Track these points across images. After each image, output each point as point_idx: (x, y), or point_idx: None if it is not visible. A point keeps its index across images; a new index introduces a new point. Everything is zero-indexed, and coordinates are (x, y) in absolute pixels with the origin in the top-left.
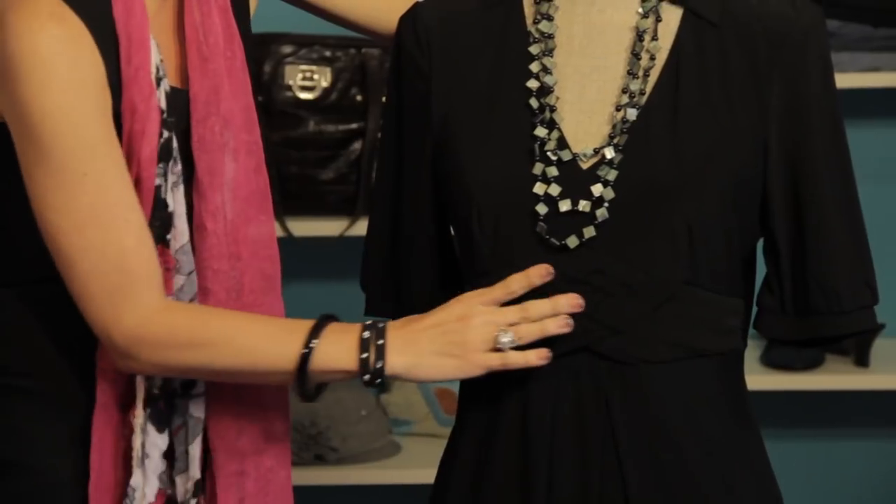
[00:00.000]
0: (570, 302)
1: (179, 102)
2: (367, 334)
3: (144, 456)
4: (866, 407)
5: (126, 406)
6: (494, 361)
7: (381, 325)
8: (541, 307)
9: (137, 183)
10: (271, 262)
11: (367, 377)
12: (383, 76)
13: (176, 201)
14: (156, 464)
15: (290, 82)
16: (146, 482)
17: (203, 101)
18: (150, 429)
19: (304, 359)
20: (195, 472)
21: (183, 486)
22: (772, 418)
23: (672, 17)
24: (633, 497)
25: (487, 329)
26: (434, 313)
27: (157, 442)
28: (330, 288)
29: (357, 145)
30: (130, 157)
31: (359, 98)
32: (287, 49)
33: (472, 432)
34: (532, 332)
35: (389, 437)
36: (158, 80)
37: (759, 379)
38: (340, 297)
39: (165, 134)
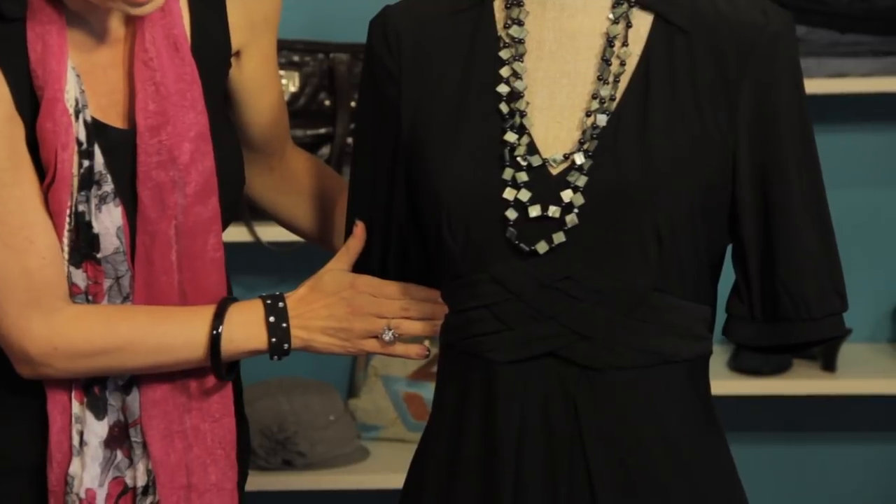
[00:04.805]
0: (439, 311)
1: (121, 142)
2: (272, 319)
3: (83, 444)
4: (833, 412)
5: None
6: (375, 348)
7: (280, 304)
8: (422, 308)
9: (49, 206)
10: (215, 291)
11: (274, 357)
12: (352, 81)
13: (101, 222)
14: (94, 451)
15: None
16: (84, 469)
17: (149, 143)
18: (88, 416)
19: (215, 348)
20: (141, 479)
21: (136, 477)
22: (739, 423)
23: (643, 23)
24: (601, 503)
25: (372, 322)
26: (326, 291)
27: (96, 430)
28: None
29: (325, 150)
30: (44, 183)
31: (327, 103)
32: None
33: (440, 437)
34: (413, 329)
35: (358, 442)
36: (77, 112)
37: (726, 384)
38: None
39: (86, 163)
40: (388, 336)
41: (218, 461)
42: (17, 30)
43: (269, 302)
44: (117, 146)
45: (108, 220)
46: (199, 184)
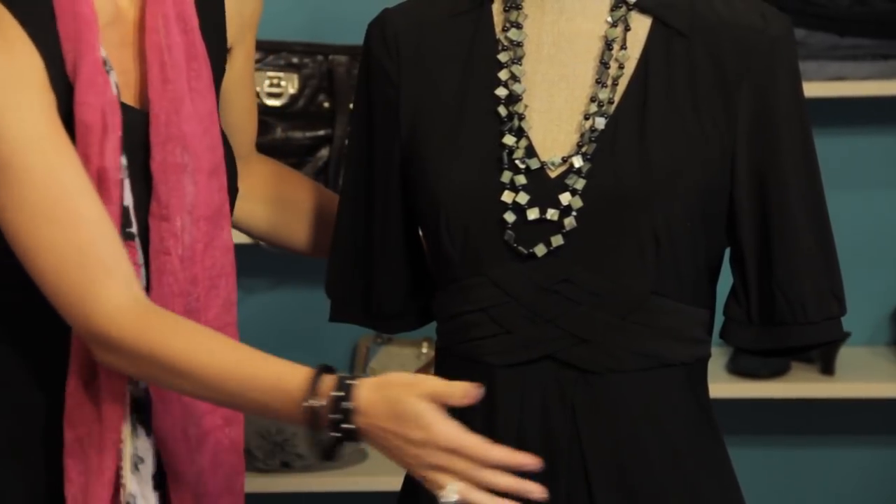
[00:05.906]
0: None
1: (135, 121)
2: (338, 420)
3: (138, 461)
4: (831, 415)
5: (105, 410)
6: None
7: (349, 406)
8: (495, 480)
9: (102, 176)
10: (226, 280)
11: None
12: (350, 83)
13: (126, 196)
14: (149, 467)
15: (258, 89)
16: (144, 487)
17: (164, 123)
18: (141, 432)
19: (313, 421)
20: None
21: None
22: (737, 426)
23: (641, 26)
24: None
25: (438, 476)
26: (400, 425)
27: (149, 445)
28: (297, 295)
29: (324, 152)
30: (89, 153)
31: (326, 105)
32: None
33: None
34: (479, 500)
35: (356, 444)
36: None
37: (724, 387)
38: (307, 304)
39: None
40: (452, 498)
41: (224, 465)
42: (43, 1)
43: (342, 401)
44: (130, 126)
45: (129, 196)
46: (210, 168)
